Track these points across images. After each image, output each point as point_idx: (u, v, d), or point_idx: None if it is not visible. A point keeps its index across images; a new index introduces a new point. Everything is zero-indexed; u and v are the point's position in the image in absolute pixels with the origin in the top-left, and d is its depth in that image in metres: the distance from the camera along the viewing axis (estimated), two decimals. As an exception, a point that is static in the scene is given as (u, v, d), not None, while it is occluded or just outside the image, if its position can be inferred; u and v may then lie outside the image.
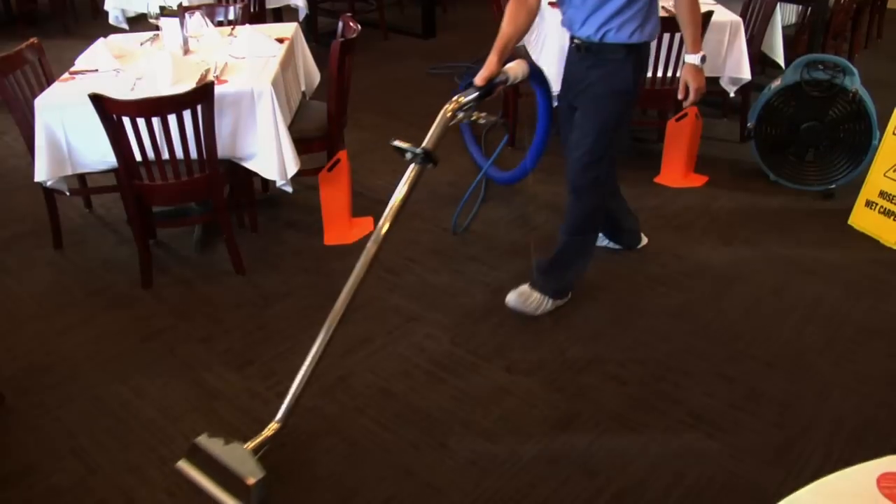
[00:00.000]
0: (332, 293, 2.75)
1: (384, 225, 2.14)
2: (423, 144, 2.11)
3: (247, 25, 3.53)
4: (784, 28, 4.32)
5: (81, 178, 3.18)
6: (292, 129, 2.98)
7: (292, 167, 2.83)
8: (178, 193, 2.70)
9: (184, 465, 2.01)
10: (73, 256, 3.09)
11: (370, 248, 2.11)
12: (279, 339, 2.57)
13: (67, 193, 2.99)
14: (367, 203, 3.45)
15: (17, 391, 2.34)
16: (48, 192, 3.00)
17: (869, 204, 3.17)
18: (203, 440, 1.99)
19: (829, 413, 2.21)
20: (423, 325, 2.64)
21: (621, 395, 2.30)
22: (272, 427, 2.05)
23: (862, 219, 3.20)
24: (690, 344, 2.53)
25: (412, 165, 2.12)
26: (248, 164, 2.86)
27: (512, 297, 2.62)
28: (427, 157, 2.09)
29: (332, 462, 2.08)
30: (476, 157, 3.56)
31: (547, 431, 2.16)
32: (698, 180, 3.62)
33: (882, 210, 3.12)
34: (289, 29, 3.46)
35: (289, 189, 2.92)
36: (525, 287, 2.64)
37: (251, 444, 1.98)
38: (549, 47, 3.53)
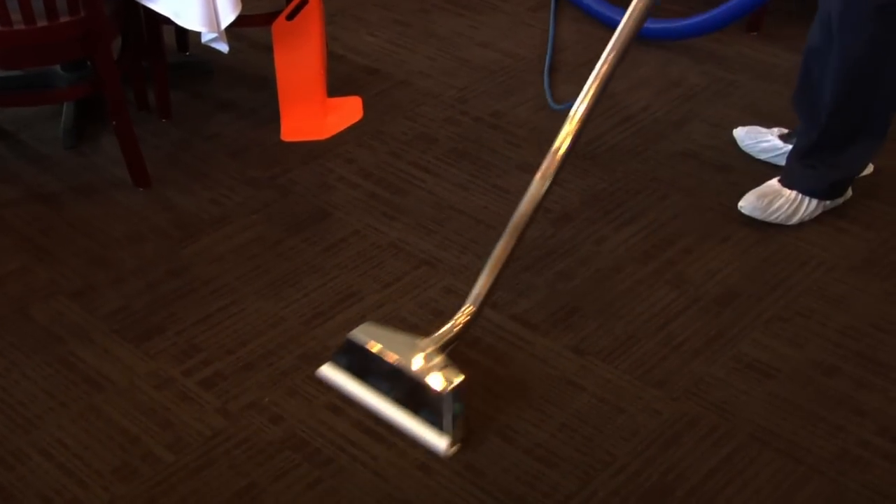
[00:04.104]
0: (294, 220, 2.82)
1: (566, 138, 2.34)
2: None
3: None
4: None
5: None
6: (228, -54, 2.91)
7: (228, 12, 2.79)
8: (30, 48, 2.66)
9: (328, 372, 2.31)
10: None
11: (536, 185, 2.34)
12: (206, 295, 2.56)
13: None
14: (351, 73, 3.43)
15: None
16: None
17: None
18: (360, 334, 2.27)
19: None
20: (440, 272, 2.62)
21: (765, 397, 2.28)
22: (466, 312, 2.28)
23: None
24: (884, 314, 2.50)
25: None
26: (155, 5, 2.80)
27: (748, 201, 2.74)
28: None
29: (289, 494, 2.07)
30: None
31: (640, 451, 2.15)
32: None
33: None
34: None
35: (223, 48, 2.89)
36: (772, 183, 2.74)
37: (435, 340, 2.24)
38: None
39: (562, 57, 3.51)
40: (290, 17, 3.00)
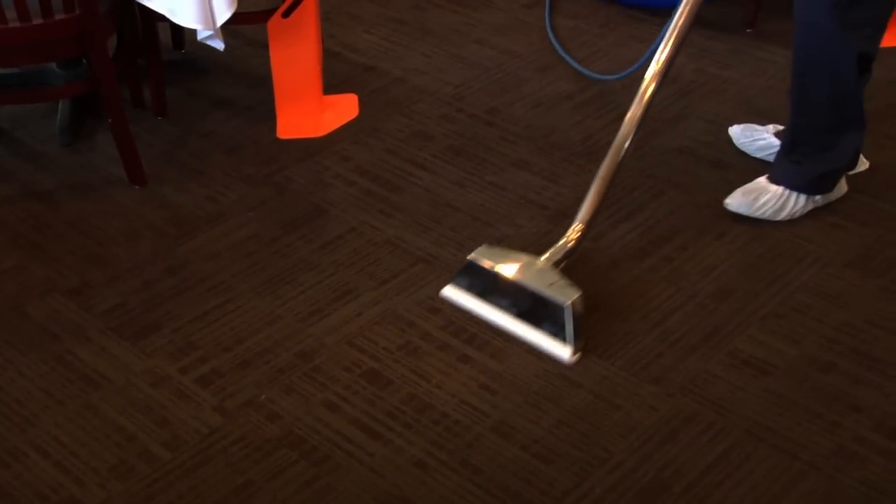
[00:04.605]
0: (290, 217, 2.82)
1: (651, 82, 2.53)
2: None
3: None
4: None
5: None
6: (224, -57, 2.90)
7: (224, 9, 2.79)
8: (25, 46, 2.66)
9: (450, 293, 2.50)
10: None
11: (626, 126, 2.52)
12: (202, 292, 2.57)
13: None
14: (347, 70, 3.43)
15: None
16: None
17: None
18: (479, 255, 2.45)
19: None
20: (437, 270, 2.62)
21: (762, 393, 2.29)
22: (576, 229, 2.48)
23: None
24: (880, 310, 2.50)
25: None
26: (150, 2, 2.80)
27: (734, 197, 2.74)
28: None
29: (286, 491, 2.07)
30: None
31: (636, 447, 2.15)
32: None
33: None
34: None
35: (219, 45, 2.89)
36: (759, 180, 2.75)
37: (549, 257, 2.43)
38: None
39: (556, 54, 3.50)
40: (286, 14, 2.99)
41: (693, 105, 3.24)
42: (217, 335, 2.42)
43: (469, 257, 2.46)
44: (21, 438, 2.17)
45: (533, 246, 2.65)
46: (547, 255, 2.43)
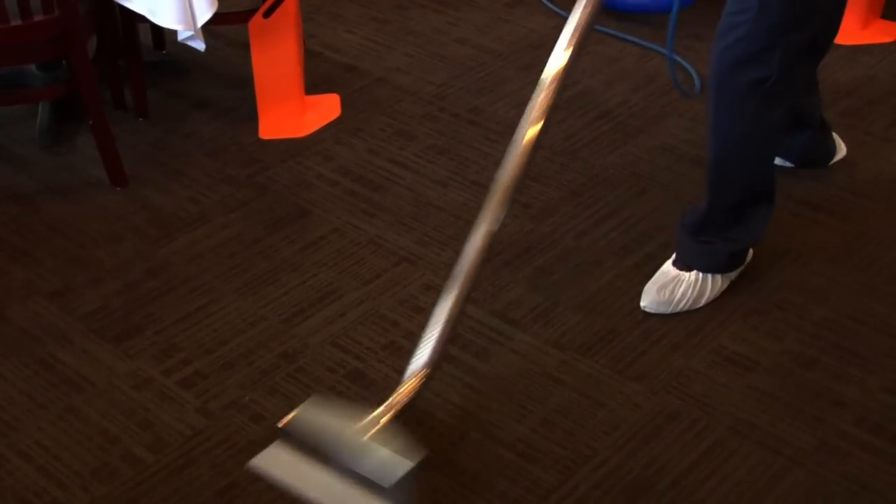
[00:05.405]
0: (273, 218, 2.82)
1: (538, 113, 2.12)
2: None
3: None
4: None
5: None
6: (204, -56, 2.89)
7: (204, 9, 2.80)
8: (4, 48, 2.66)
9: (264, 463, 1.94)
10: None
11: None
12: (184, 294, 2.56)
13: None
14: (329, 70, 3.44)
15: None
16: None
17: None
18: (300, 418, 1.94)
19: None
20: (420, 269, 2.63)
21: (745, 390, 2.29)
22: (418, 375, 1.99)
23: None
24: (861, 306, 2.50)
25: None
26: (130, 3, 2.80)
27: (650, 297, 2.49)
28: None
29: (270, 493, 2.06)
30: None
31: (621, 445, 2.16)
32: (887, 33, 3.55)
33: None
34: None
35: (199, 46, 2.89)
36: (666, 268, 2.53)
37: (381, 414, 1.93)
38: None
39: (538, 53, 3.51)
40: (267, 14, 2.98)
41: (675, 103, 3.24)
42: (200, 337, 2.42)
43: (282, 425, 1.97)
44: (3, 443, 2.16)
45: (516, 245, 2.66)
46: (373, 416, 1.94)
